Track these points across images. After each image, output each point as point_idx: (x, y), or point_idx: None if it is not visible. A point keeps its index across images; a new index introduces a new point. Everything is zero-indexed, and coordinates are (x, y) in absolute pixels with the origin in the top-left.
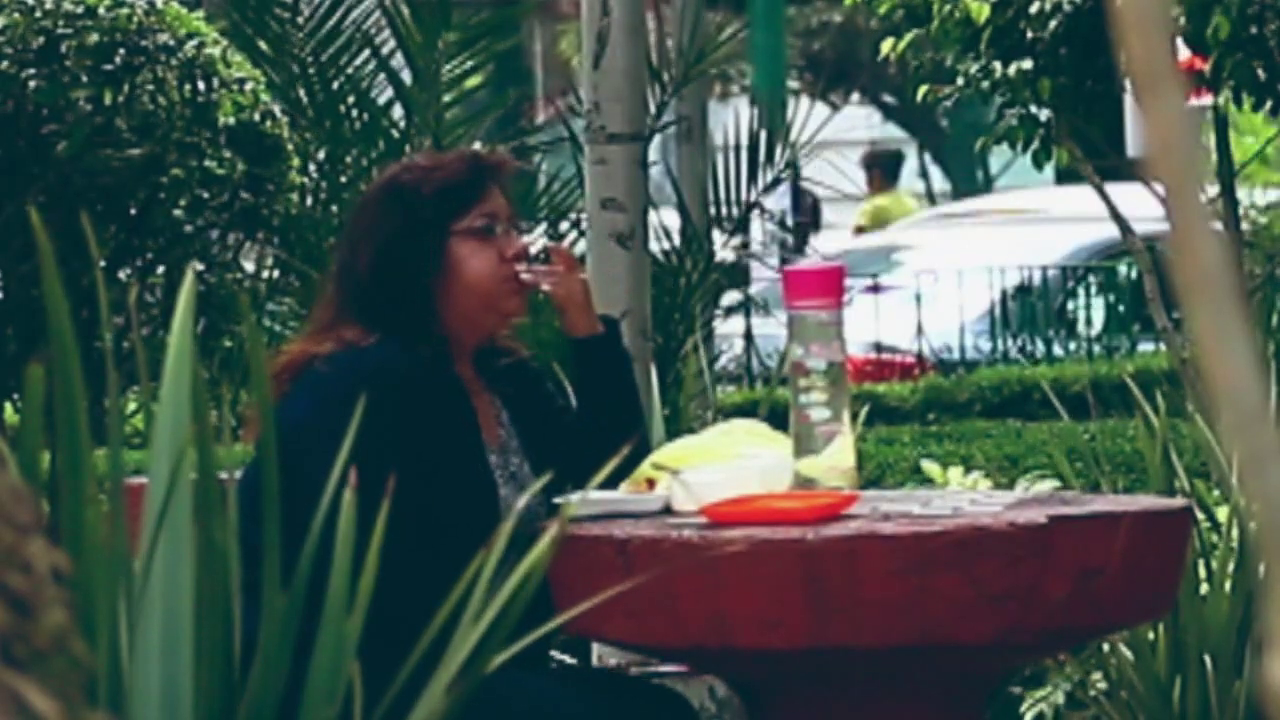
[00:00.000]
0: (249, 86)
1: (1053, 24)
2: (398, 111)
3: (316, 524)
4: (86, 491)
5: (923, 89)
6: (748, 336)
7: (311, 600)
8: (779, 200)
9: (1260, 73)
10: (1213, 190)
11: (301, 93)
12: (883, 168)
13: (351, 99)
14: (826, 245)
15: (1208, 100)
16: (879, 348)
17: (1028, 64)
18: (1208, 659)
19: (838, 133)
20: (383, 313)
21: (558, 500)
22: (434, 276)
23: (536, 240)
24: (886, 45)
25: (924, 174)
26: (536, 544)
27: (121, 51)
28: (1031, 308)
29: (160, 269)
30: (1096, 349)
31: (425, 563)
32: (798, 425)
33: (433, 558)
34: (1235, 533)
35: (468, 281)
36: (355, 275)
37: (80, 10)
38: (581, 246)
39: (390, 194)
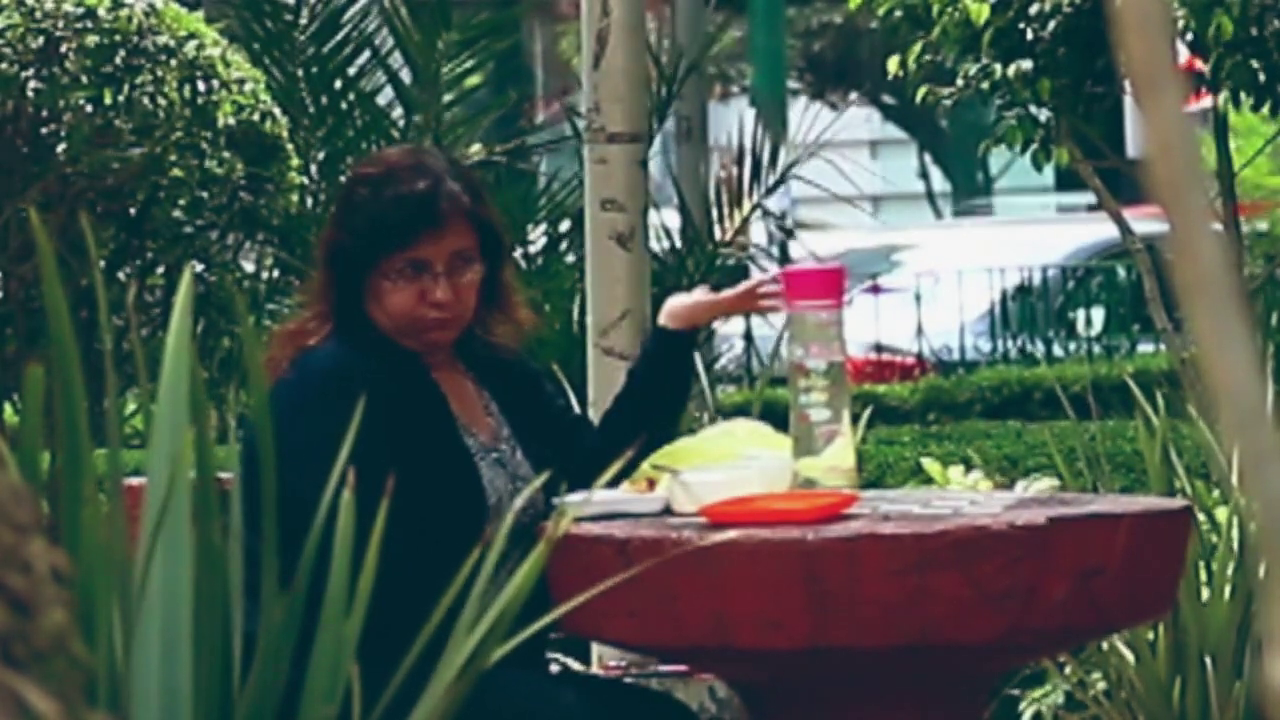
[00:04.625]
0: (249, 86)
1: (1053, 24)
2: (398, 111)
3: (316, 527)
4: (86, 491)
5: (922, 90)
6: (748, 337)
7: (310, 601)
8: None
9: (1260, 73)
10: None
11: (302, 93)
12: None
13: (351, 99)
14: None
15: (1207, 103)
16: (879, 348)
17: (1028, 65)
18: (1208, 659)
19: (837, 133)
20: (332, 303)
21: (557, 500)
22: (364, 285)
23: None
24: (893, 64)
25: (924, 174)
26: (534, 542)
27: (121, 53)
28: (1031, 308)
29: (160, 269)
30: (1096, 349)
31: (410, 546)
32: (798, 425)
33: (418, 539)
34: (1235, 533)
35: (386, 307)
36: (316, 262)
37: (80, 11)
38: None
39: (344, 199)
